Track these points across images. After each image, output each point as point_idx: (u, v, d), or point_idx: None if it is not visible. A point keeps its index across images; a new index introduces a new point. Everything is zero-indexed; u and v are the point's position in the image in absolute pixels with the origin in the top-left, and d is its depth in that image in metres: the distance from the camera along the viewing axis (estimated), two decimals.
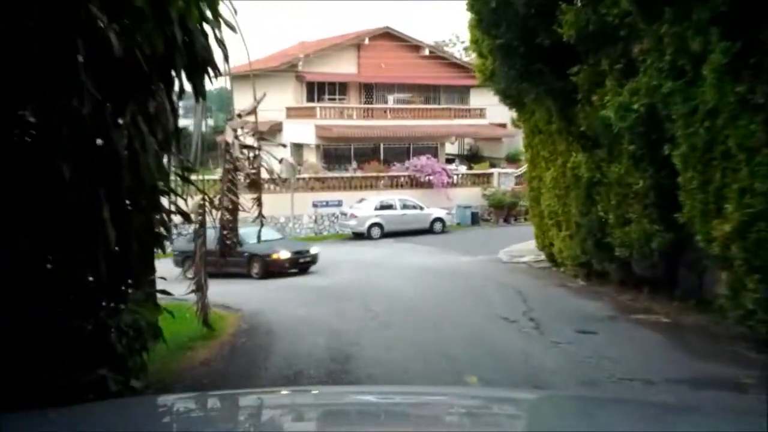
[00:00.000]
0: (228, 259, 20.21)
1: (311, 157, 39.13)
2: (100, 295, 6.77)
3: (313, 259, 22.57)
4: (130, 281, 7.50)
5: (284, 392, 4.16)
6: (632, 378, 8.31)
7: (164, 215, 7.86)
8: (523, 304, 13.78)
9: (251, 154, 11.01)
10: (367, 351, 10.19)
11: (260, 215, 11.52)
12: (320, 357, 9.81)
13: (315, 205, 32.94)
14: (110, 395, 6.07)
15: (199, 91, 7.20)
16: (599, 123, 13.62)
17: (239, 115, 11.12)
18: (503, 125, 44.99)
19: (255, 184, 11.29)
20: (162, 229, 7.94)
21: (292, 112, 40.81)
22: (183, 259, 20.38)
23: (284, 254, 21.97)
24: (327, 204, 33.13)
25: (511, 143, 47.17)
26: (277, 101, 39.23)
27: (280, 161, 34.01)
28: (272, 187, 33.85)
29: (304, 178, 34.48)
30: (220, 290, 17.46)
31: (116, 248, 6.95)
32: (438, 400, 2.94)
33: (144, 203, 7.25)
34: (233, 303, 15.82)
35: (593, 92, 13.57)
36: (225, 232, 11.03)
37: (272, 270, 21.47)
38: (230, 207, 10.86)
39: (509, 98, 19.14)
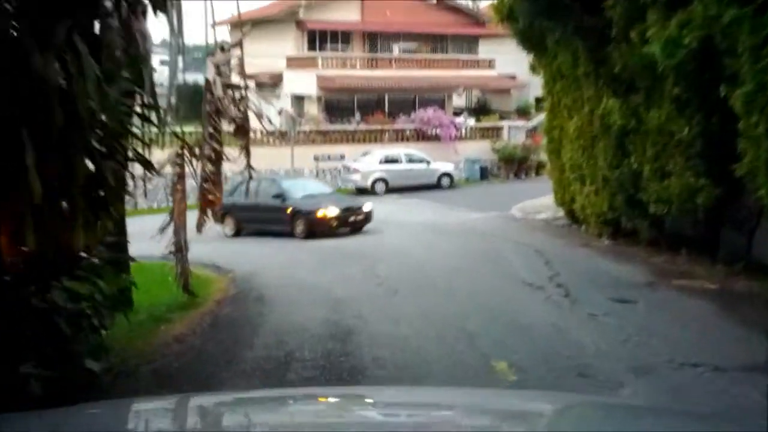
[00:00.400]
0: (269, 215, 19.11)
1: (312, 110, 37.36)
2: (27, 266, 5.26)
3: (367, 218, 19.61)
4: (74, 246, 6.01)
5: (275, 396, 3.35)
6: (696, 363, 6.79)
7: (120, 163, 6.35)
8: (547, 267, 12.29)
9: (237, 95, 9.39)
10: (372, 325, 8.70)
11: (248, 166, 9.92)
12: (317, 332, 8.33)
13: (316, 159, 31.29)
14: (33, 401, 4.60)
15: (156, 4, 5.63)
16: (637, 63, 11.97)
17: (222, 48, 9.45)
18: (512, 77, 43.21)
19: (242, 131, 9.67)
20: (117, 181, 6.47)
21: (293, 62, 38.88)
22: (224, 213, 18.78)
23: (332, 211, 19.19)
24: (329, 158, 31.47)
25: (521, 96, 45.44)
26: (276, 51, 37.40)
27: (279, 112, 32.49)
28: (271, 140, 32.25)
29: (304, 131, 32.80)
30: (222, 250, 16.10)
31: (60, 205, 5.51)
32: (451, 418, 2.53)
33: (91, 147, 5.74)
34: (226, 264, 14.39)
35: (631, 28, 11.86)
36: (206, 186, 9.46)
37: (318, 229, 18.87)
38: (212, 157, 9.28)
39: (528, 41, 17.38)
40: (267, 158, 31.10)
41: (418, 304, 9.86)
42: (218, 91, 8.85)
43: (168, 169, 9.48)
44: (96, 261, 6.64)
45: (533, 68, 18.99)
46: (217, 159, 9.42)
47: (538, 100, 45.37)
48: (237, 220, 19.91)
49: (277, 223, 19.36)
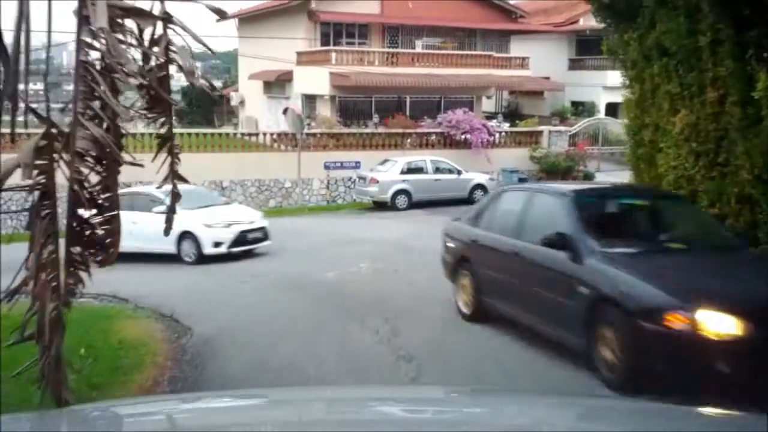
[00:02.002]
0: (536, 291, 7.66)
1: (325, 111, 32.81)
2: None
3: None
4: None
5: (279, 395, 3.18)
6: None
7: None
8: None
9: (147, 33, 4.79)
10: None
11: (172, 175, 5.20)
12: None
13: (327, 167, 26.66)
14: None
15: None
16: None
17: None
18: (547, 78, 38.71)
19: (158, 103, 5.02)
20: None
21: (304, 58, 34.43)
22: (457, 262, 9.62)
23: (716, 320, 5.83)
24: (341, 165, 26.85)
25: (555, 99, 40.99)
26: (286, 47, 33.08)
27: (284, 112, 27.89)
28: (276, 144, 27.70)
29: (314, 134, 28.23)
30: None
31: None
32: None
33: None
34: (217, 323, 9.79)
35: None
36: (83, 215, 4.81)
37: (669, 366, 6.05)
38: (94, 153, 4.65)
39: (611, 7, 12.81)
40: (269, 166, 26.62)
41: None
42: (100, 20, 4.26)
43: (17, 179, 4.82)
44: None
45: (610, 48, 14.24)
46: (108, 159, 4.78)
47: (575, 104, 40.95)
48: (477, 282, 9.09)
49: (553, 320, 7.50)
